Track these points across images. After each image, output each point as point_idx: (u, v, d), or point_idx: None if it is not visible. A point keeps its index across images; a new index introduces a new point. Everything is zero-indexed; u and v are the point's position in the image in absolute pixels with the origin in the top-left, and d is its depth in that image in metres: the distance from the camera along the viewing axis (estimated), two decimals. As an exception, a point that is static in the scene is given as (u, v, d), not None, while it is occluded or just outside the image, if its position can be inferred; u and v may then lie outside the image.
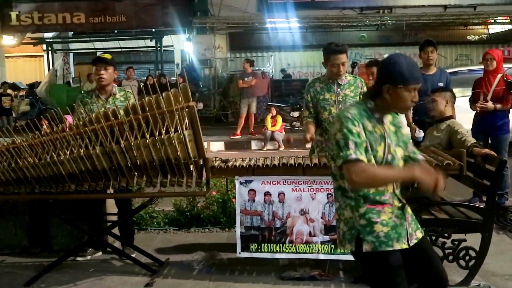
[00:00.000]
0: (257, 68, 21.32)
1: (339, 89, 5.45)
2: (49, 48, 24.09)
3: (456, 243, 4.66)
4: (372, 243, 3.07)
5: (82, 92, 5.82)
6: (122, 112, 4.67)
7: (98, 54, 24.98)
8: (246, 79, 15.60)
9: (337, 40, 22.11)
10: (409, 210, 3.26)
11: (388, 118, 3.22)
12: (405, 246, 3.13)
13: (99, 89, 5.60)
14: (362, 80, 5.72)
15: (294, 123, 16.00)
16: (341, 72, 5.36)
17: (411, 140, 3.38)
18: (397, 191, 3.19)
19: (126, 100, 5.32)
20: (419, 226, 3.30)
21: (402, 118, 3.64)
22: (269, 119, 14.50)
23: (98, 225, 5.63)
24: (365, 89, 5.75)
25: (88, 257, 5.74)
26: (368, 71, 7.08)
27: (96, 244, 5.68)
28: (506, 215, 6.72)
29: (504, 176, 7.06)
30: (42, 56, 25.89)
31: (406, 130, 3.35)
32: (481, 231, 4.53)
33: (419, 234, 3.26)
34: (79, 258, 5.67)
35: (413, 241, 3.20)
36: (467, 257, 4.64)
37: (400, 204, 3.18)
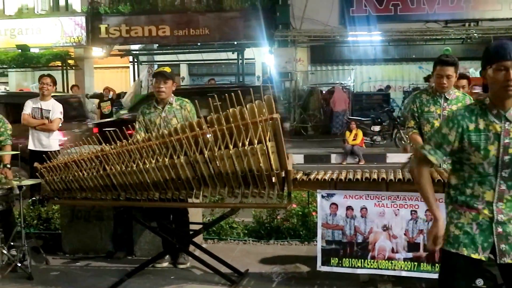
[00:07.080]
0: (337, 82, 21.23)
1: (445, 104, 5.21)
2: (135, 60, 24.80)
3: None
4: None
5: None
6: (176, 121, 5.18)
7: (181, 66, 25.64)
8: None
9: (420, 54, 21.90)
10: None
11: None
12: (475, 256, 3.03)
13: (157, 100, 5.77)
14: (472, 98, 5.51)
15: (375, 137, 15.77)
16: (445, 84, 5.12)
17: None
18: (499, 204, 3.01)
19: (182, 108, 5.52)
20: None
21: None
22: (349, 133, 14.39)
23: (181, 233, 5.71)
24: None
25: (165, 264, 5.83)
26: (456, 84, 6.87)
27: (178, 252, 5.76)
28: None
29: None
30: (128, 67, 26.67)
31: None
32: None
33: None
34: (157, 265, 5.77)
35: (507, 260, 3.00)
36: None
37: (491, 215, 3.02)
